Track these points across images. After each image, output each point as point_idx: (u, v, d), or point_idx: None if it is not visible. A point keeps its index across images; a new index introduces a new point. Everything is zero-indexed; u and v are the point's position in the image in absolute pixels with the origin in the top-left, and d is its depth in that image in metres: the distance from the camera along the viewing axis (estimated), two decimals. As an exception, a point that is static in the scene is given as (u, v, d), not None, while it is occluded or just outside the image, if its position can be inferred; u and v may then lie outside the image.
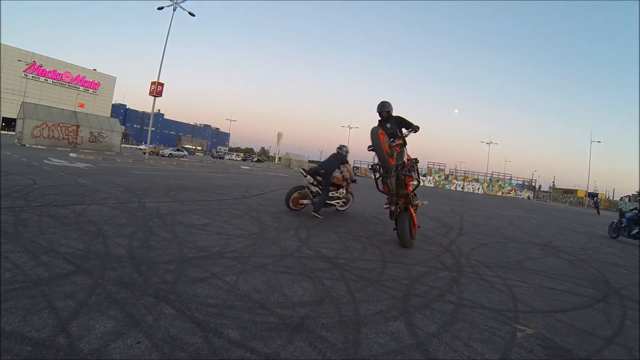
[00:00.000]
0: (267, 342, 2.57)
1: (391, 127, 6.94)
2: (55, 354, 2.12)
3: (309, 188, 9.19)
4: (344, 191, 9.74)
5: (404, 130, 6.84)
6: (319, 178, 9.02)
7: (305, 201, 9.22)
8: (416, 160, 6.86)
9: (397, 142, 6.63)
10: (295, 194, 9.19)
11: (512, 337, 3.18)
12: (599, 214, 27.50)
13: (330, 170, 9.09)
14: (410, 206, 6.45)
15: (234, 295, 3.35)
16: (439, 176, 57.89)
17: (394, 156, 6.42)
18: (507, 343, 3.03)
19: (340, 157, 9.53)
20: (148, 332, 2.48)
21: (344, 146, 9.71)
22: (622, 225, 12.04)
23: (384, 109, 7.00)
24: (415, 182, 6.79)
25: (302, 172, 9.39)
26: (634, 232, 11.46)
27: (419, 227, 6.67)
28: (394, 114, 7.11)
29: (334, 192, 9.48)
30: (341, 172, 9.75)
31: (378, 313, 3.36)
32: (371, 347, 2.69)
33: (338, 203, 9.63)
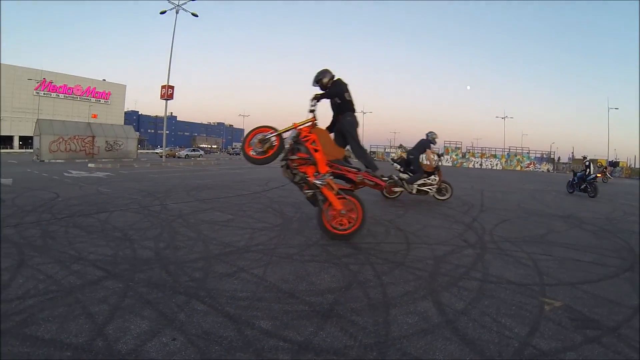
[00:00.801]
0: (298, 330, 2.60)
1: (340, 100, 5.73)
2: (95, 357, 2.18)
3: (397, 175, 9.62)
4: (436, 178, 9.99)
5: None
6: (411, 167, 9.82)
7: (397, 189, 9.66)
8: (296, 138, 5.42)
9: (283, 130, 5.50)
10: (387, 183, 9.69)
11: (540, 310, 3.14)
12: (604, 181, 27.22)
13: (415, 154, 9.93)
14: (325, 189, 5.20)
15: (262, 287, 3.40)
16: (456, 154, 57.21)
17: (273, 146, 5.41)
18: (535, 317, 3.00)
19: (423, 142, 10.12)
20: (182, 329, 2.53)
21: (430, 132, 10.25)
22: (575, 182, 15.13)
23: (314, 80, 5.71)
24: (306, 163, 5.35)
25: (391, 160, 10.40)
26: (582, 186, 14.56)
27: (342, 213, 5.24)
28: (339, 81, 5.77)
29: (425, 179, 9.86)
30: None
31: (406, 294, 3.37)
32: (401, 327, 2.70)
33: (431, 190, 9.91)
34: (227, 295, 3.16)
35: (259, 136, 5.50)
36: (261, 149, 5.44)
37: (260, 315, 2.80)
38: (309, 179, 5.23)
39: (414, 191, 9.83)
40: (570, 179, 15.76)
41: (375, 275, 3.82)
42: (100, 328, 2.51)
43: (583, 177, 14.70)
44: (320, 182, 5.15)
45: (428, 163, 10.24)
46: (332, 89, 5.54)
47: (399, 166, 10.04)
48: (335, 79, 5.64)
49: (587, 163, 15.06)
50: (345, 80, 5.67)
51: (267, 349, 2.34)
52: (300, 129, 5.42)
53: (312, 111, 5.43)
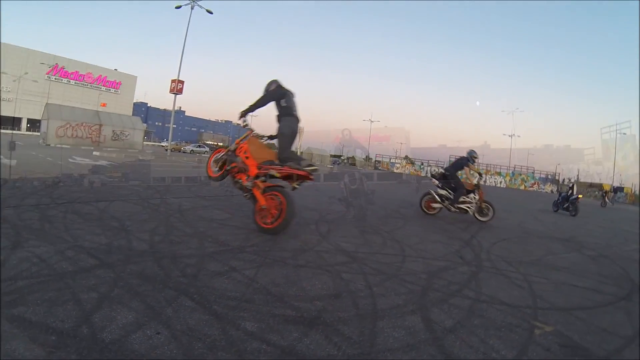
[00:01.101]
0: (283, 334, 2.59)
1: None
2: (78, 344, 2.19)
3: (435, 191, 9.91)
4: (476, 197, 9.81)
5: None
6: (452, 184, 9.87)
7: (436, 205, 9.82)
8: (231, 152, 6.05)
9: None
10: (425, 198, 10.05)
11: (529, 334, 3.10)
12: (603, 206, 27.36)
13: (451, 171, 10.09)
14: (255, 189, 5.66)
15: (252, 288, 3.40)
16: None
17: (226, 162, 6.14)
18: (524, 340, 2.96)
19: (461, 160, 10.16)
20: (167, 324, 2.53)
21: (471, 150, 10.29)
22: (559, 201, 16.34)
23: (264, 90, 6.12)
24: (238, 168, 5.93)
25: (430, 175, 10.81)
26: (565, 205, 15.82)
27: (263, 208, 5.56)
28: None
29: (465, 197, 9.74)
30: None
31: (395, 307, 3.35)
32: (387, 340, 2.69)
33: (470, 208, 9.72)
34: (216, 293, 3.16)
35: (214, 157, 6.47)
36: (216, 167, 6.35)
37: (246, 316, 2.80)
38: (243, 183, 5.79)
39: (453, 209, 9.76)
40: (556, 199, 17.06)
41: (366, 286, 3.81)
42: (87, 315, 2.52)
43: (566, 197, 16.01)
44: (248, 184, 5.67)
45: (468, 181, 10.10)
46: (260, 100, 5.91)
47: (437, 181, 10.07)
48: (275, 87, 6.11)
49: (570, 185, 16.69)
50: (287, 86, 6.21)
51: (249, 351, 2.34)
52: (240, 144, 6.02)
53: (245, 126, 6.00)
